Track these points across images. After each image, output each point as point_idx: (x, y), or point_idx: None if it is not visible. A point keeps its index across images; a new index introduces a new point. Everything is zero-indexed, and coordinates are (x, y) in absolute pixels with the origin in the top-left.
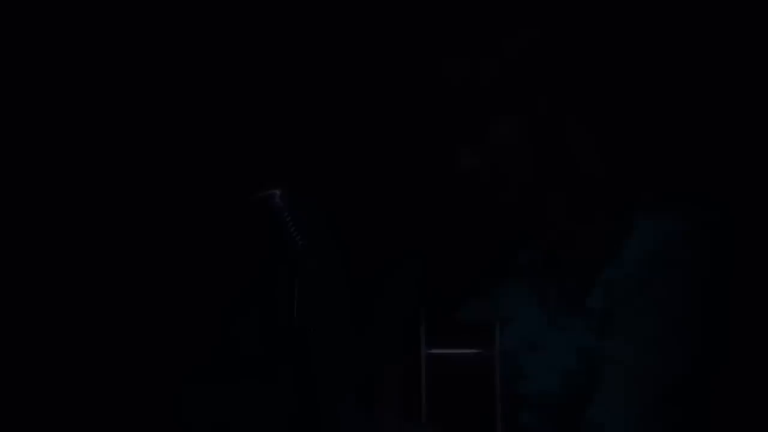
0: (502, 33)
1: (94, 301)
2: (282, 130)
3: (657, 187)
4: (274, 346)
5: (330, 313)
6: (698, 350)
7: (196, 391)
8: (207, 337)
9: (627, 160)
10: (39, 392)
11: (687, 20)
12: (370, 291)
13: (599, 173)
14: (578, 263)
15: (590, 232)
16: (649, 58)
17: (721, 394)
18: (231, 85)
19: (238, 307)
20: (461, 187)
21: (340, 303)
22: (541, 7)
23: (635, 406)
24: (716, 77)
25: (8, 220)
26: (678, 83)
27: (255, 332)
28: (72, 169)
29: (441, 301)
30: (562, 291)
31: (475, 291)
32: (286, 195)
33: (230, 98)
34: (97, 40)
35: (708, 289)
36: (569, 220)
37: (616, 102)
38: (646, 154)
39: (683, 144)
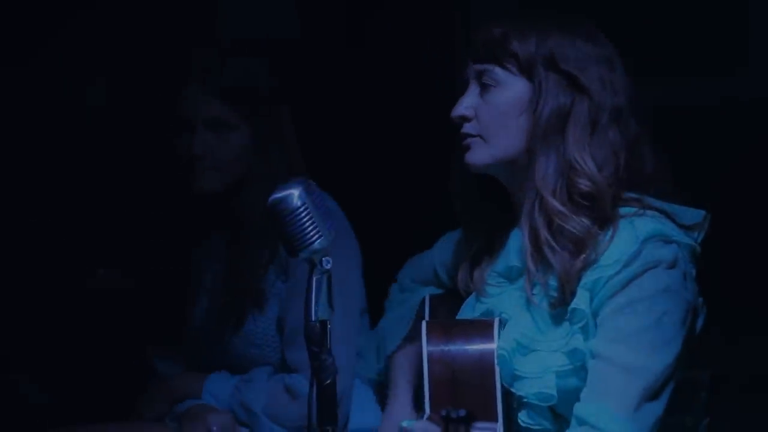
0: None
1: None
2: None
3: (638, 192)
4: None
5: (344, 308)
6: (679, 346)
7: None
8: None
9: (611, 166)
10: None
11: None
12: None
13: (589, 177)
14: (561, 266)
15: (572, 234)
16: (644, 68)
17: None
18: None
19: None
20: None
21: (353, 298)
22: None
23: (620, 401)
24: (702, 85)
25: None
26: (667, 89)
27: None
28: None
29: (441, 299)
30: (547, 294)
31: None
32: (305, 193)
33: None
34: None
35: (687, 287)
36: (558, 204)
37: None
38: (629, 159)
39: (664, 151)
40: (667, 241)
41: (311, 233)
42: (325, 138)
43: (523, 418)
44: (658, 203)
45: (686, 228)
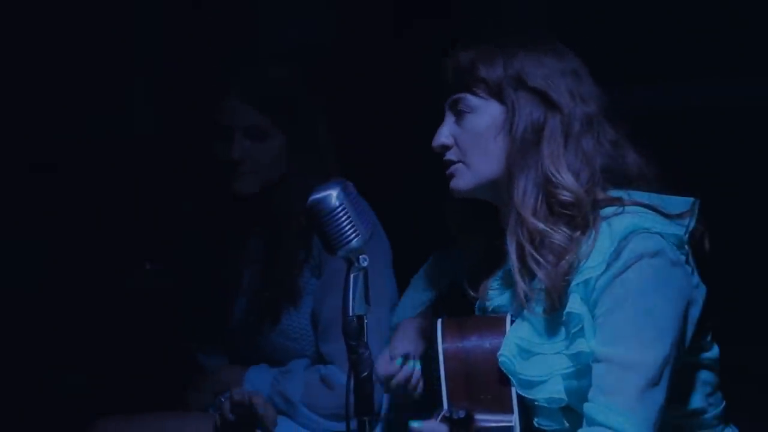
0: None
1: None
2: None
3: (624, 188)
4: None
5: (376, 303)
6: (675, 333)
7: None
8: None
9: (587, 173)
10: None
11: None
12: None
13: (567, 187)
14: (546, 278)
15: (555, 245)
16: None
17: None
18: None
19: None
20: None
21: (384, 294)
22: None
23: (624, 397)
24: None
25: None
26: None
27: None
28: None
29: (453, 298)
30: (540, 299)
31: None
32: (343, 194)
33: None
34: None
35: (675, 274)
36: (539, 224)
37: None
38: (607, 163)
39: (642, 148)
40: (648, 233)
41: (349, 232)
42: (351, 137)
43: (537, 421)
44: (643, 197)
45: (674, 217)
